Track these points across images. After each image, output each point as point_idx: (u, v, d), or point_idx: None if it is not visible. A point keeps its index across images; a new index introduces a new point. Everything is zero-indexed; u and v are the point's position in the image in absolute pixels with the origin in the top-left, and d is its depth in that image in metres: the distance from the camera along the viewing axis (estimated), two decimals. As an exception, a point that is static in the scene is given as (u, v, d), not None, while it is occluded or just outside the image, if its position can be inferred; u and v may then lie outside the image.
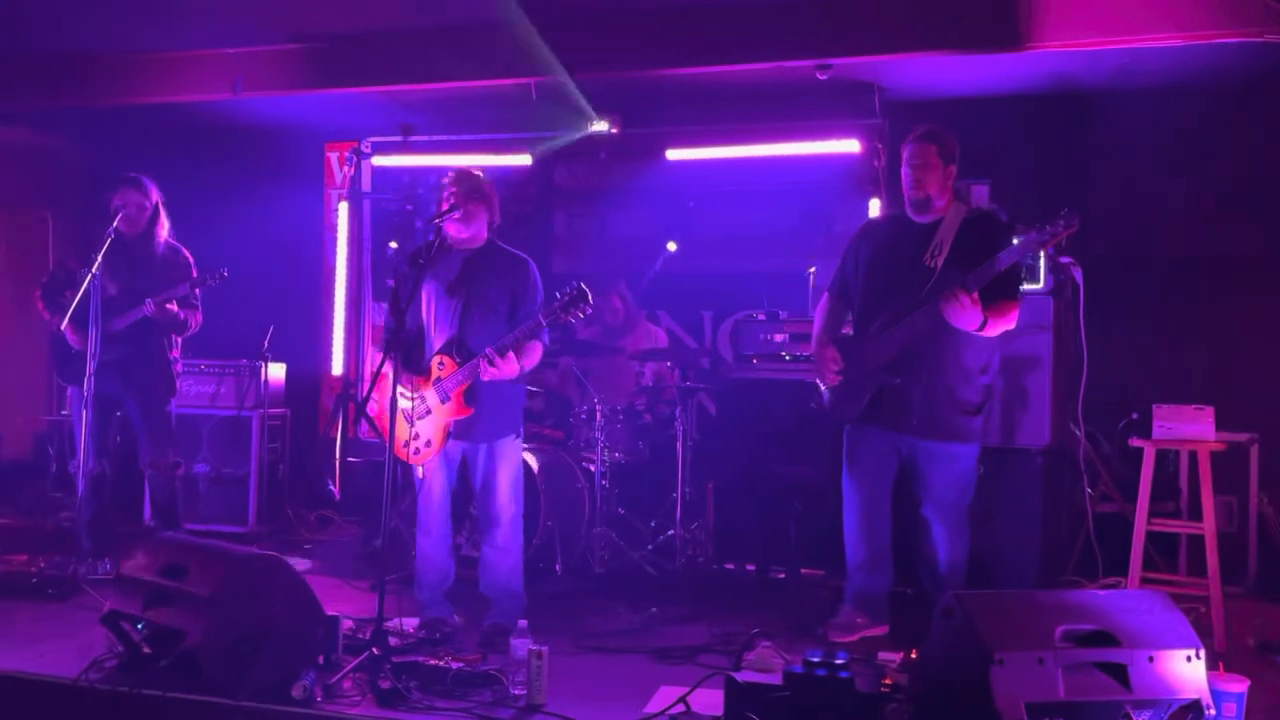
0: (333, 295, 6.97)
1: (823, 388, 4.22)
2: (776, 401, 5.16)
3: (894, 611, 4.22)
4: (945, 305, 3.67)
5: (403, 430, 3.98)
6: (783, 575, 5.17)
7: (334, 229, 7.04)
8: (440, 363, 3.94)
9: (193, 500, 5.94)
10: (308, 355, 6.93)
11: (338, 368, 6.95)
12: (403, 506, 5.32)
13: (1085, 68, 5.26)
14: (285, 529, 6.14)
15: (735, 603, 4.73)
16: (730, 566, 5.29)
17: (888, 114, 5.81)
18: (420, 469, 4.03)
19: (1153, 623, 2.78)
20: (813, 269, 5.83)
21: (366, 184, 6.97)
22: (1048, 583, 4.59)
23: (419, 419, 3.96)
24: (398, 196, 6.84)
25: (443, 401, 3.90)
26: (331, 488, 6.75)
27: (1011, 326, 3.83)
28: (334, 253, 7.00)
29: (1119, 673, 2.68)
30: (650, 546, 5.25)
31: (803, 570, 5.12)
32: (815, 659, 3.01)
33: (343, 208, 6.94)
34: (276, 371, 6.28)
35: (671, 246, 6.20)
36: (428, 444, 3.95)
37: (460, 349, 3.91)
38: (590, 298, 3.68)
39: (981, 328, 3.72)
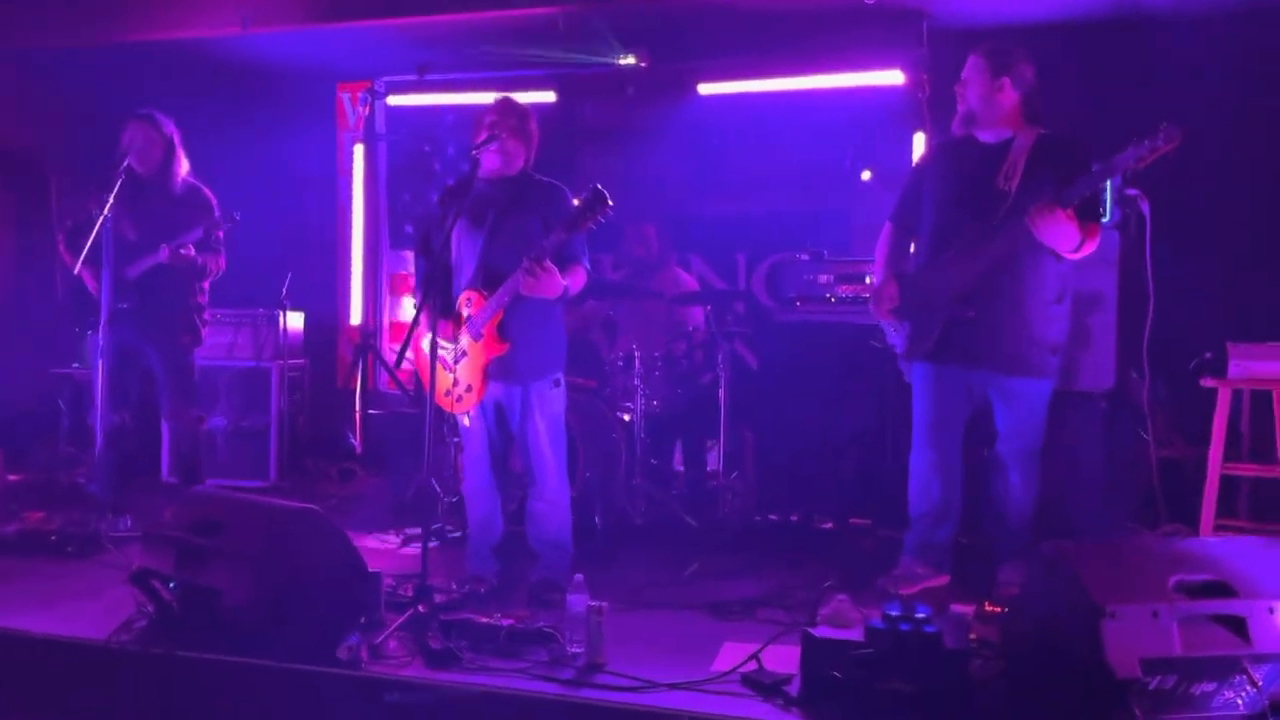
0: (349, 242, 6.72)
1: (885, 325, 3.99)
2: (821, 345, 4.94)
3: (953, 560, 4.03)
4: (1038, 220, 3.43)
5: (443, 379, 3.75)
6: (830, 525, 4.99)
7: (349, 173, 6.76)
8: (468, 299, 3.69)
9: (211, 454, 5.73)
10: (325, 304, 6.69)
11: (355, 317, 6.72)
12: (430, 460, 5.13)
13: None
14: (307, 483, 5.95)
15: (782, 554, 4.56)
16: (773, 517, 5.09)
17: (934, 44, 5.51)
18: (466, 417, 3.81)
19: (1270, 571, 2.58)
20: (867, 174, 5.58)
21: (381, 125, 6.68)
22: (1112, 531, 4.40)
23: (457, 364, 3.74)
24: (414, 137, 6.55)
25: (476, 339, 3.66)
26: (352, 440, 6.54)
27: (1092, 252, 3.60)
28: (349, 198, 6.73)
29: (1237, 625, 2.48)
30: (691, 497, 5.06)
31: (851, 520, 4.93)
32: (895, 613, 2.82)
33: (358, 150, 6.66)
34: (295, 321, 6.06)
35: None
36: (468, 389, 3.72)
37: (488, 280, 3.65)
38: (609, 200, 3.38)
39: (1078, 247, 3.51)
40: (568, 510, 3.84)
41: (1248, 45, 5.10)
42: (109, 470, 4.77)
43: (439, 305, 3.68)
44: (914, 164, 3.97)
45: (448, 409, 3.82)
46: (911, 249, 4.03)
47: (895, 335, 3.95)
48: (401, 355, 3.57)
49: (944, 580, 3.97)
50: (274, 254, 6.07)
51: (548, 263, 3.47)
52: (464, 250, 3.76)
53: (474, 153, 3.65)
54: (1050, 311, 3.68)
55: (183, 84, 6.23)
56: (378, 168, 6.74)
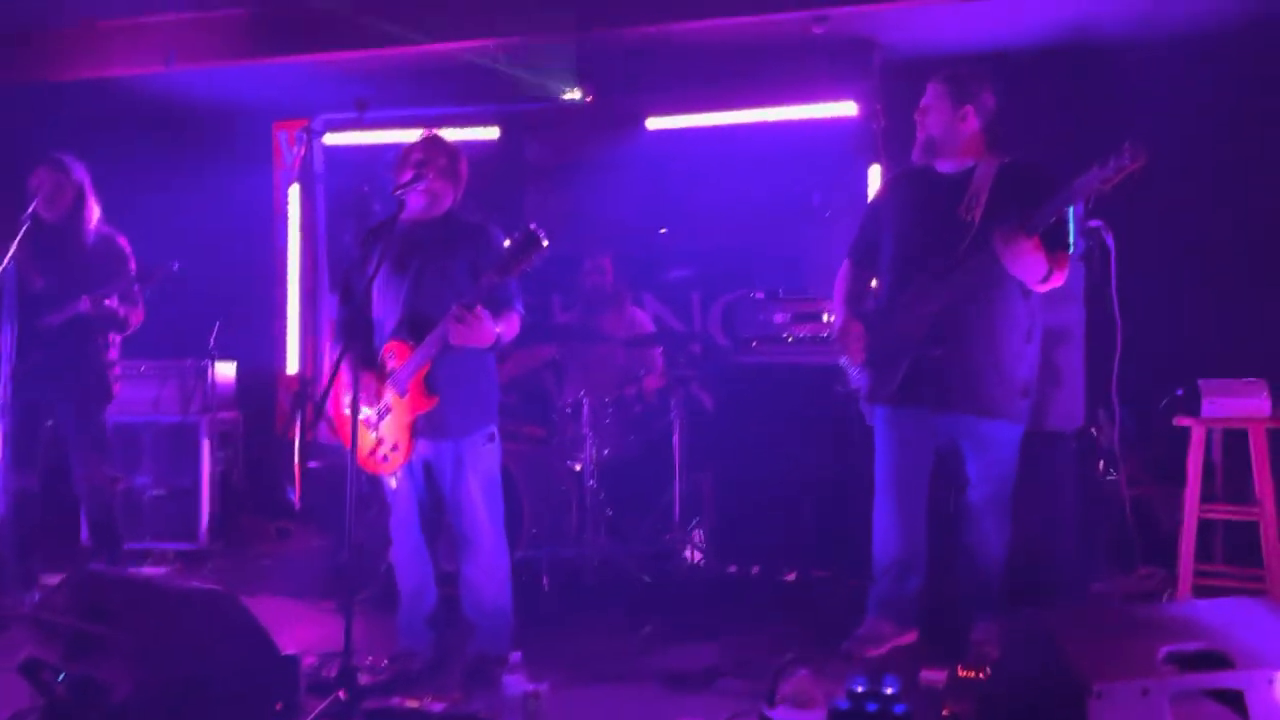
0: (285, 287, 6.42)
1: (848, 367, 3.77)
2: (779, 387, 4.71)
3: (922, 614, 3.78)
4: (1005, 249, 3.23)
5: (366, 438, 3.47)
6: (792, 577, 4.73)
7: (285, 215, 6.48)
8: (392, 351, 3.42)
9: (136, 517, 5.38)
10: (260, 353, 6.37)
11: (293, 365, 6.40)
12: (369, 516, 4.82)
13: (1107, 13, 4.83)
14: (240, 543, 5.60)
15: (744, 611, 4.31)
16: (733, 569, 4.83)
17: (886, 74, 5.35)
18: (393, 479, 3.52)
19: (1267, 636, 2.35)
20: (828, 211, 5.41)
21: (319, 165, 6.41)
22: (1087, 576, 4.19)
23: (381, 420, 3.45)
24: (354, 177, 6.28)
25: (401, 395, 3.38)
26: (291, 496, 6.20)
27: (1061, 284, 3.40)
28: (285, 241, 6.44)
29: (1235, 700, 2.24)
30: (646, 551, 4.79)
31: (814, 571, 4.68)
32: (860, 689, 2.55)
33: (294, 191, 6.38)
34: (225, 371, 5.73)
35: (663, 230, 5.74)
36: (394, 448, 3.43)
37: (413, 330, 3.37)
38: (543, 240, 3.10)
39: (1046, 277, 3.31)
40: (506, 575, 3.55)
41: (1205, 70, 4.98)
42: (15, 541, 4.42)
43: (359, 357, 3.40)
44: (871, 197, 3.76)
45: (371, 470, 3.53)
46: (872, 285, 3.83)
47: (858, 377, 3.73)
48: (319, 411, 3.27)
49: (912, 636, 3.73)
50: (205, 301, 5.74)
51: (479, 309, 3.21)
52: (387, 298, 3.50)
53: (398, 193, 3.39)
54: (1020, 350, 3.48)
55: (106, 125, 5.93)
56: (316, 209, 6.46)
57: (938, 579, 3.80)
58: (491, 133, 5.96)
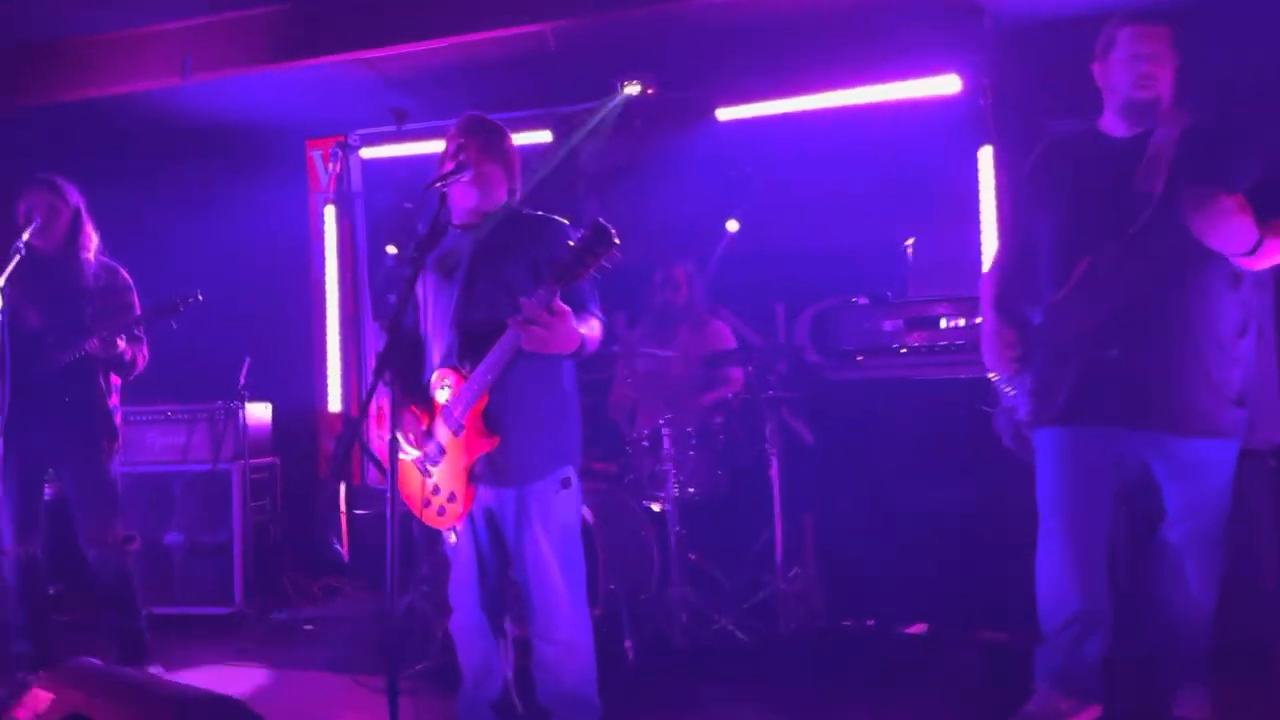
0: (324, 317, 5.85)
1: (1000, 382, 3.07)
2: (893, 406, 4.02)
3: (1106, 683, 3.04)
4: (1199, 214, 2.53)
5: (414, 484, 2.83)
6: (919, 630, 4.00)
7: (322, 239, 5.92)
8: (443, 381, 2.79)
9: (167, 578, 4.82)
10: (298, 391, 5.79)
11: (335, 403, 5.82)
12: (422, 572, 4.20)
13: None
14: (280, 604, 5.00)
15: (863, 674, 3.60)
16: (847, 623, 4.11)
17: (994, 43, 4.65)
18: (452, 534, 2.88)
19: None
20: (910, 241, 4.71)
21: (357, 182, 5.85)
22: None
23: (433, 466, 2.81)
24: (396, 194, 5.71)
25: (456, 434, 2.74)
26: (338, 547, 5.61)
27: (1277, 259, 2.66)
28: (323, 267, 5.88)
29: None
30: (744, 605, 4.09)
31: (945, 626, 3.96)
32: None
33: (329, 212, 5.82)
34: (259, 413, 5.15)
35: (732, 226, 5.07)
36: (451, 498, 2.79)
37: (465, 352, 2.75)
38: (614, 236, 2.46)
39: (1254, 249, 2.56)
40: (590, 653, 2.86)
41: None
42: (27, 618, 3.85)
43: (403, 388, 2.77)
44: (1024, 171, 3.05)
45: (429, 523, 2.89)
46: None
47: (1015, 393, 3.01)
48: (344, 454, 2.62)
49: (1095, 713, 2.98)
50: (236, 337, 5.19)
51: (558, 303, 2.54)
52: (435, 317, 2.87)
53: (440, 186, 2.76)
54: (1230, 349, 2.74)
55: (119, 148, 5.44)
56: (355, 230, 5.90)
57: (1125, 639, 3.06)
58: (544, 137, 5.35)
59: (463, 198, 2.84)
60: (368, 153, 5.72)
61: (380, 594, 4.76)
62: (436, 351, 2.85)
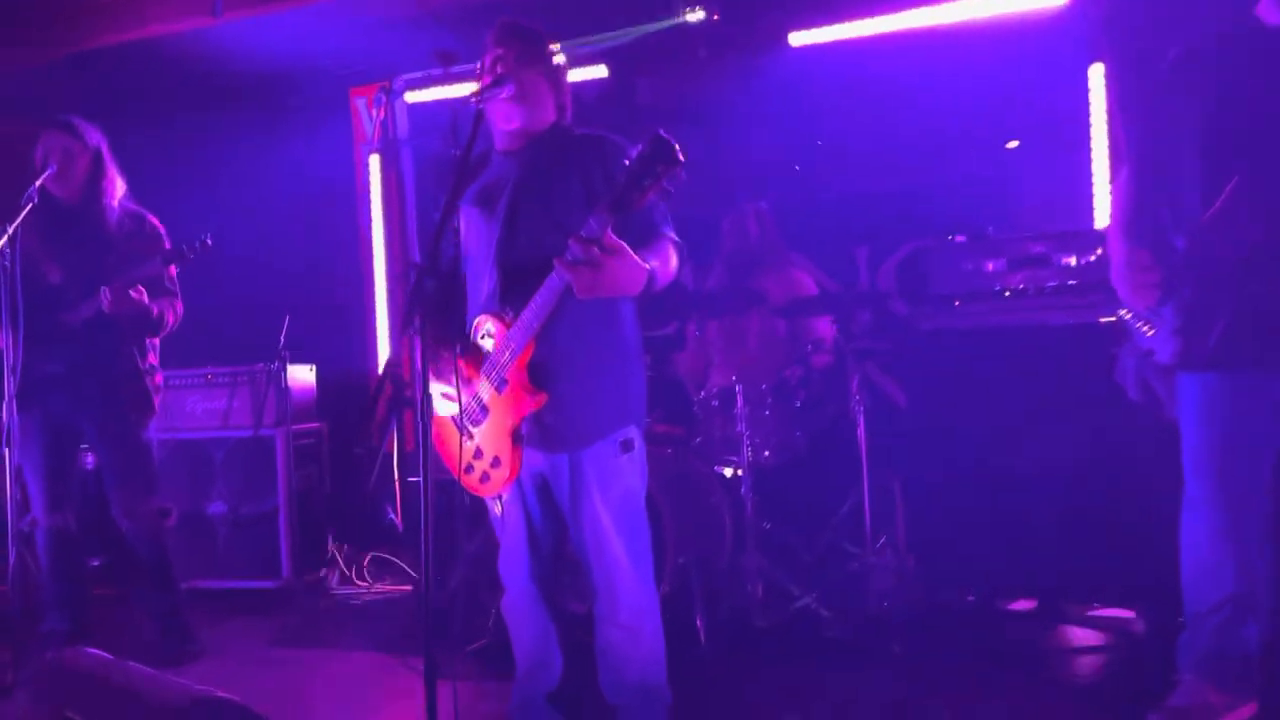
0: (372, 273, 5.53)
1: (1134, 319, 2.61)
2: (997, 356, 3.57)
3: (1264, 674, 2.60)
4: None
5: (455, 447, 2.48)
6: (1029, 606, 3.58)
7: (368, 192, 5.59)
8: (483, 327, 2.41)
9: (210, 550, 4.57)
10: (346, 352, 5.50)
11: (384, 364, 5.50)
12: (475, 545, 3.87)
13: None
14: (328, 578, 4.73)
15: (972, 659, 3.19)
16: (945, 600, 3.70)
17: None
18: (498, 503, 2.52)
19: None
20: (1014, 143, 4.21)
21: (403, 129, 5.50)
22: None
23: (474, 426, 2.45)
24: (443, 140, 5.33)
25: (499, 390, 2.37)
26: (393, 517, 5.32)
27: None
28: (369, 221, 5.55)
29: None
30: (828, 580, 3.70)
31: (1059, 601, 3.53)
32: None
33: (374, 161, 5.48)
34: (303, 375, 4.86)
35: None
36: (495, 464, 2.42)
37: (507, 294, 2.36)
38: (678, 151, 2.04)
39: None
40: (657, 637, 2.49)
41: None
42: (60, 593, 3.61)
43: (436, 336, 2.41)
44: (1155, 75, 2.57)
45: (473, 491, 2.53)
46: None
47: (1155, 333, 2.55)
48: (375, 415, 2.25)
49: (1251, 709, 2.54)
50: (280, 295, 4.90)
51: (610, 238, 2.14)
52: (477, 250, 2.49)
53: (477, 103, 2.37)
54: None
55: (150, 97, 5.16)
56: (403, 180, 5.55)
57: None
58: (598, 72, 4.94)
59: (504, 117, 2.45)
60: (413, 97, 5.36)
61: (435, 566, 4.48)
62: (478, 294, 2.48)
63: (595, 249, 2.10)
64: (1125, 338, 2.75)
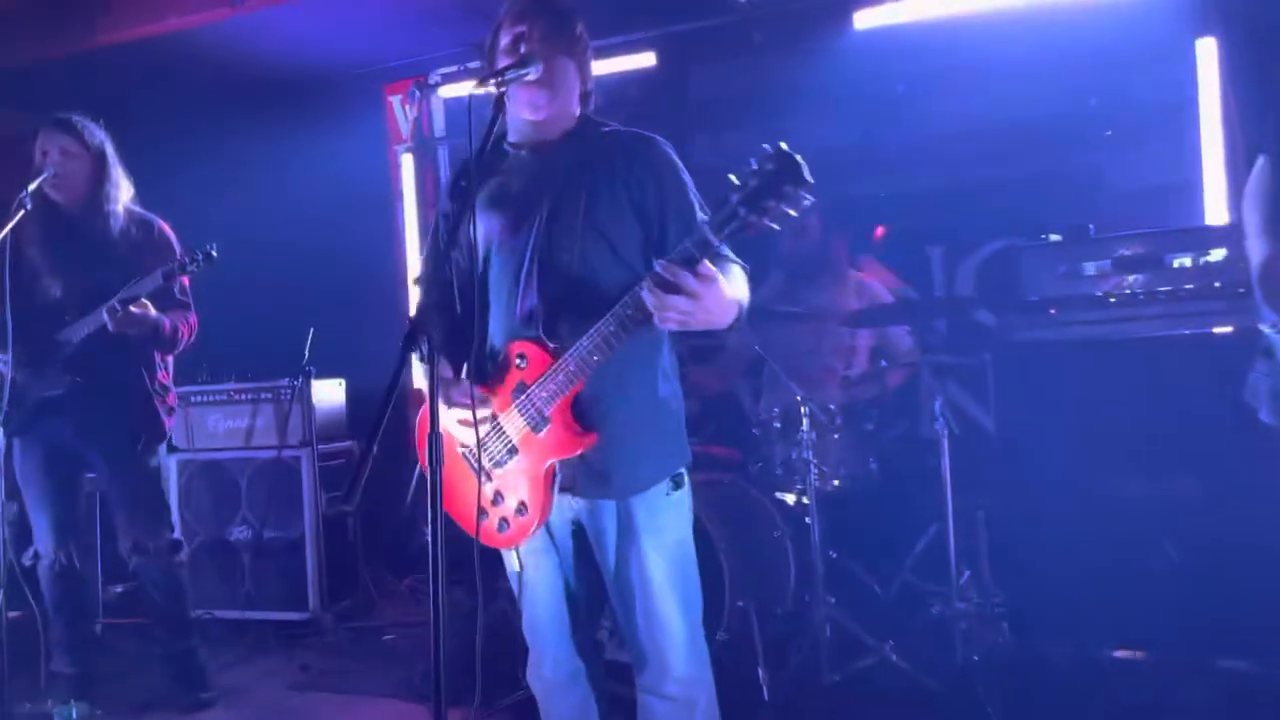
0: (407, 280, 5.21)
1: (1277, 330, 2.20)
2: (1104, 372, 3.13)
3: None
4: None
5: (467, 489, 2.12)
6: (1138, 657, 3.14)
7: (403, 195, 5.28)
8: (520, 356, 2.04)
9: (233, 579, 4.29)
10: (379, 365, 5.16)
11: (420, 378, 5.18)
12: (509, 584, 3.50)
13: None
14: (361, 608, 4.42)
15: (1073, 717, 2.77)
16: (1040, 649, 3.26)
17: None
18: (515, 557, 2.16)
19: None
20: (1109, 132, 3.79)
21: (440, 126, 5.18)
22: None
23: (496, 466, 2.09)
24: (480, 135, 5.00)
25: (535, 428, 2.01)
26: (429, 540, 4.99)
27: None
28: (403, 225, 5.24)
29: None
30: (906, 626, 3.29)
31: (1174, 654, 3.08)
32: None
33: (406, 160, 5.17)
34: (330, 391, 4.56)
35: None
36: (520, 510, 2.06)
37: (553, 321, 2.00)
38: (805, 170, 1.71)
39: None
40: (711, 709, 2.11)
41: None
42: (66, 633, 3.34)
43: (451, 361, 2.05)
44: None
45: (486, 541, 2.16)
46: None
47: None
48: (368, 452, 1.87)
49: None
50: (309, 307, 4.60)
51: (706, 265, 1.79)
52: (503, 266, 2.12)
53: (496, 87, 2.00)
54: None
55: (170, 95, 4.88)
56: (439, 178, 5.22)
57: None
58: (646, 60, 4.57)
59: (530, 105, 2.07)
60: (448, 91, 5.04)
61: (471, 600, 4.14)
62: (503, 315, 2.11)
63: (691, 278, 1.75)
64: (1257, 352, 2.33)
